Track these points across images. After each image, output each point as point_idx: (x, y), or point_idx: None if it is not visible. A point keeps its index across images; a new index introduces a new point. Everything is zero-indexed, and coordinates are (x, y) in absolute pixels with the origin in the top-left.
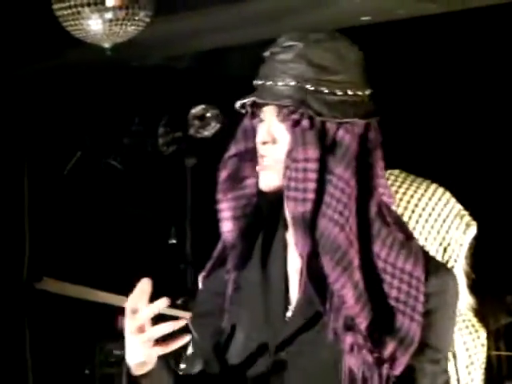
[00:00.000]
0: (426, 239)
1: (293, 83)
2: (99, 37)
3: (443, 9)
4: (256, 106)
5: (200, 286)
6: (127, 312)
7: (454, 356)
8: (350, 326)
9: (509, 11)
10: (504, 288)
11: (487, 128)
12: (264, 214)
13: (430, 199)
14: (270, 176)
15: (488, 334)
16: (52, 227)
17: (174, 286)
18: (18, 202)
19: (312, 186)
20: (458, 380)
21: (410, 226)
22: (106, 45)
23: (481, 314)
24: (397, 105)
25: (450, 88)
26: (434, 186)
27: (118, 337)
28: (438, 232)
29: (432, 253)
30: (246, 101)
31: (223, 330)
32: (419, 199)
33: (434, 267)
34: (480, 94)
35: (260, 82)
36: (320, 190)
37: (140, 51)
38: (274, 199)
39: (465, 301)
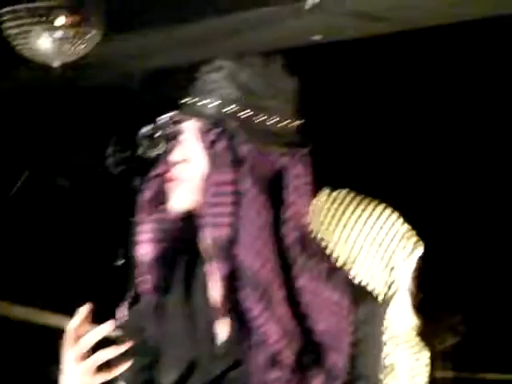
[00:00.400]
0: (372, 262)
1: (216, 102)
2: (48, 56)
3: (391, 28)
4: (178, 124)
5: (124, 318)
6: (68, 339)
7: (396, 378)
8: (274, 362)
9: (454, 30)
10: (449, 308)
11: (435, 147)
12: (186, 240)
13: (377, 219)
14: (181, 196)
15: (435, 354)
16: (1, 247)
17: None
18: None
19: (227, 210)
20: None
21: (357, 247)
22: (55, 64)
23: (426, 334)
24: (349, 124)
25: (400, 105)
26: (381, 206)
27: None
28: (385, 252)
29: (378, 274)
30: (168, 115)
31: (151, 365)
32: (366, 220)
33: (361, 296)
34: (423, 114)
35: (185, 100)
36: (238, 215)
37: (89, 70)
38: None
39: (409, 321)
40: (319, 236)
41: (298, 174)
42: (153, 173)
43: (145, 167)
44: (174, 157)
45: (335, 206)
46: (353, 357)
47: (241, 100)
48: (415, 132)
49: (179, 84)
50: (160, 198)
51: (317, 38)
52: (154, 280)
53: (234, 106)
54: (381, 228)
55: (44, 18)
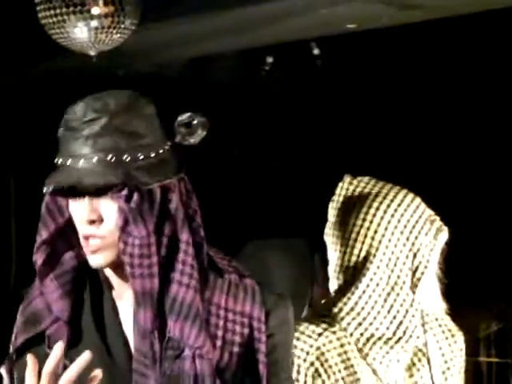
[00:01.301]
0: (396, 246)
1: (110, 158)
2: (85, 45)
3: (427, 16)
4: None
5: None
6: (46, 378)
7: (429, 361)
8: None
9: (491, 18)
10: (495, 295)
11: (461, 133)
12: (85, 278)
13: (398, 205)
14: (102, 256)
15: (479, 340)
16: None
17: None
18: (5, 210)
19: (155, 259)
20: None
21: (380, 233)
22: (92, 53)
23: (469, 320)
24: (378, 111)
25: (431, 94)
26: (403, 192)
27: None
28: (408, 238)
29: (402, 259)
30: (64, 184)
31: None
32: (388, 205)
33: (271, 301)
34: (463, 100)
35: (69, 162)
36: (164, 258)
37: (126, 59)
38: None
39: (437, 306)
40: (344, 223)
41: (192, 194)
42: (40, 239)
43: (182, 155)
44: (81, 218)
45: (357, 192)
46: (274, 362)
47: (129, 146)
48: (450, 120)
49: (216, 72)
50: (54, 257)
51: (351, 26)
52: (69, 331)
53: (126, 154)
54: (404, 212)
55: (80, 7)
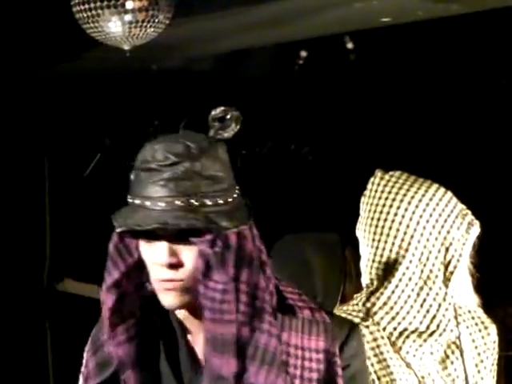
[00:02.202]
0: (428, 240)
1: (191, 202)
2: (119, 39)
3: (464, 10)
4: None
5: None
6: None
7: (462, 354)
8: None
9: None
10: None
11: (490, 129)
12: (155, 321)
13: (430, 200)
14: (177, 296)
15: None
16: (73, 229)
17: None
18: (39, 203)
19: (233, 306)
20: (466, 378)
21: (411, 228)
22: (126, 47)
23: (504, 313)
24: (412, 106)
25: (463, 89)
26: (434, 186)
27: None
28: (440, 232)
29: (434, 253)
30: (146, 227)
31: None
32: (420, 200)
33: (344, 332)
34: (494, 95)
35: (147, 204)
36: (243, 305)
37: (159, 53)
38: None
39: (470, 299)
40: (375, 217)
41: (257, 245)
42: (108, 284)
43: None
44: (161, 260)
45: (389, 187)
46: None
47: (209, 190)
48: (475, 114)
49: (250, 66)
50: (122, 302)
51: (386, 20)
52: (138, 377)
53: (208, 199)
54: (436, 207)
55: (114, 1)
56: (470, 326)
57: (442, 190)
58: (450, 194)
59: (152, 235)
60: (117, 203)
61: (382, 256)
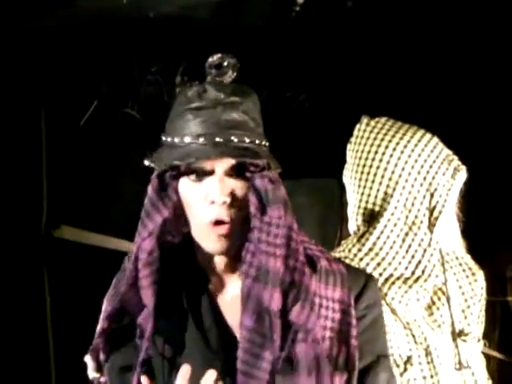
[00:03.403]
0: (413, 186)
1: (246, 139)
2: None
3: None
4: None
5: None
6: None
7: (448, 300)
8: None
9: None
10: None
11: (478, 74)
12: (177, 267)
13: (416, 145)
14: (227, 242)
15: (506, 280)
16: (70, 176)
17: None
18: (36, 150)
19: (284, 241)
20: (453, 324)
21: (396, 174)
22: None
23: (498, 260)
24: (404, 54)
25: (458, 38)
26: (420, 132)
27: None
28: (425, 178)
29: (419, 199)
30: (213, 158)
31: None
32: (405, 146)
33: (360, 283)
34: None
35: (202, 139)
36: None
37: (155, 1)
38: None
39: (459, 244)
40: (361, 164)
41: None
42: (146, 231)
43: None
44: (216, 197)
45: (374, 133)
46: (370, 340)
47: (257, 132)
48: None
49: (246, 13)
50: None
51: None
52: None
53: (257, 139)
54: (421, 152)
55: None
56: (457, 272)
57: (428, 135)
58: (435, 139)
59: (200, 173)
60: (114, 150)
61: (367, 202)
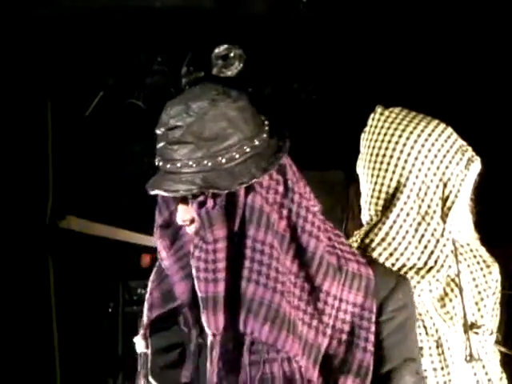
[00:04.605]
0: (426, 175)
1: (192, 166)
2: None
3: None
4: None
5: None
6: None
7: (461, 292)
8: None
9: None
10: None
11: (494, 65)
12: None
13: (429, 135)
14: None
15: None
16: (75, 166)
17: None
18: (42, 141)
19: (222, 265)
20: (465, 316)
21: (409, 163)
22: None
23: (506, 253)
24: (414, 44)
25: (467, 24)
26: (434, 122)
27: (142, 275)
28: (438, 168)
29: (432, 189)
30: (157, 192)
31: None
32: (419, 135)
33: (385, 285)
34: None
35: (167, 167)
36: (237, 261)
37: None
38: None
39: (471, 235)
40: (374, 154)
41: (294, 178)
42: (157, 224)
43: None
44: (178, 218)
45: (388, 122)
46: (397, 343)
47: (210, 152)
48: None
49: (251, 3)
50: (175, 241)
51: None
52: (192, 313)
53: (206, 160)
54: (434, 142)
55: None
56: (472, 264)
57: (442, 125)
58: (449, 129)
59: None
60: (120, 140)
61: (380, 192)
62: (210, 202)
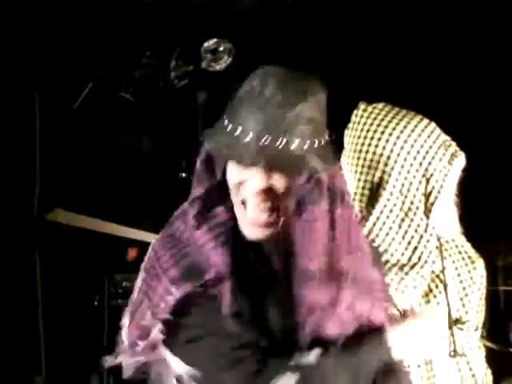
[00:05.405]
0: (409, 171)
1: (292, 142)
2: None
3: None
4: None
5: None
6: None
7: (445, 288)
8: None
9: None
10: None
11: (480, 60)
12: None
13: (412, 131)
14: (267, 232)
15: (497, 269)
16: (63, 159)
17: None
18: (30, 133)
19: (321, 241)
20: (449, 312)
21: (392, 160)
22: None
23: (488, 249)
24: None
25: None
26: (417, 117)
27: (128, 268)
28: (421, 164)
29: (415, 185)
30: (250, 162)
31: None
32: (401, 131)
33: None
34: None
35: (248, 137)
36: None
37: None
38: None
39: (456, 230)
40: (357, 150)
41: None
42: (194, 194)
43: (207, 81)
44: (259, 186)
45: (371, 119)
46: None
47: (313, 133)
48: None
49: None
50: (208, 210)
51: None
52: (233, 285)
53: (310, 140)
54: (417, 138)
55: None
56: (456, 260)
57: (425, 121)
58: (433, 125)
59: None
60: (108, 133)
61: (363, 188)
62: (312, 181)
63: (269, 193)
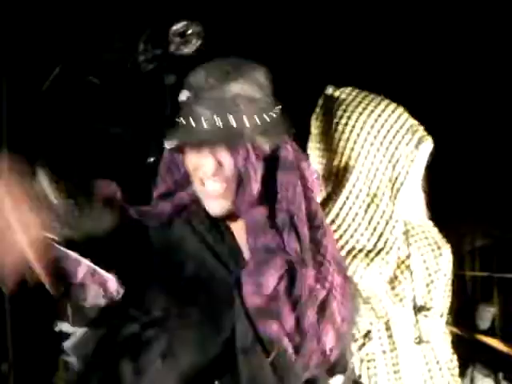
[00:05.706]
0: (375, 156)
1: (232, 120)
2: None
3: None
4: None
5: None
6: None
7: (411, 274)
8: None
9: None
10: (483, 212)
11: (450, 44)
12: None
13: (379, 115)
14: (223, 203)
15: (464, 254)
16: (31, 143)
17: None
18: None
19: (265, 211)
20: (414, 299)
21: (358, 145)
22: None
23: (455, 233)
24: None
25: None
26: (385, 101)
27: None
28: (387, 149)
29: (381, 170)
30: (194, 142)
31: None
32: (368, 115)
33: None
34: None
35: (193, 123)
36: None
37: None
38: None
39: (425, 216)
40: (324, 134)
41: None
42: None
43: (176, 65)
44: (207, 171)
45: (338, 103)
46: None
47: (248, 111)
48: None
49: None
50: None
51: None
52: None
53: (245, 119)
54: (384, 123)
55: None
56: (423, 246)
57: (392, 105)
58: (400, 109)
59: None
60: (75, 117)
61: (330, 173)
62: (253, 156)
63: (221, 168)
